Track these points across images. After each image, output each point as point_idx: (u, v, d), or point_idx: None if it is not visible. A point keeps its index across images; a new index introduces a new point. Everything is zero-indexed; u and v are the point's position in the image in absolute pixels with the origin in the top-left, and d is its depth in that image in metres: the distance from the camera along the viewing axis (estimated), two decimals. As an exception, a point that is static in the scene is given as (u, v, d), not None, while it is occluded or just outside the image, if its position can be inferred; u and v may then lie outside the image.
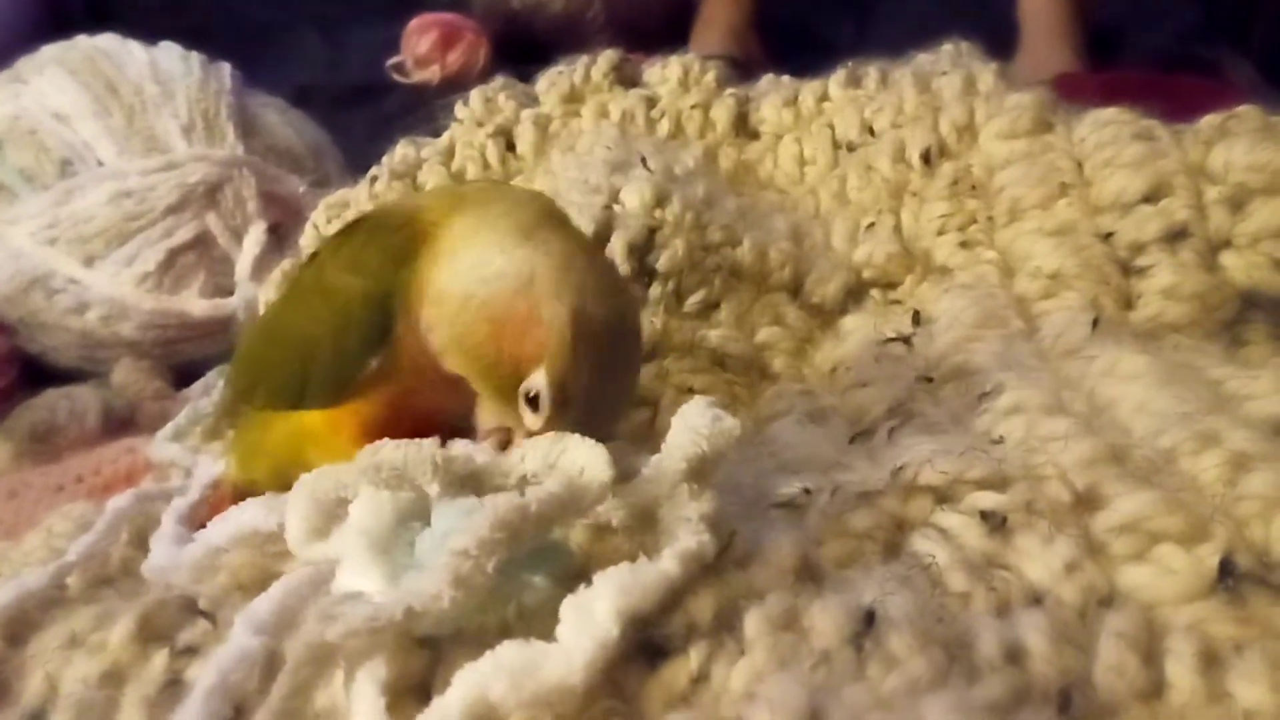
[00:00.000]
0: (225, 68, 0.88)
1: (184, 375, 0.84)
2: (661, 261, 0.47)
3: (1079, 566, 0.29)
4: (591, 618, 0.25)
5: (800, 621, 0.26)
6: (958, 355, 0.43)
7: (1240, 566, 0.28)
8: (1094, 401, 0.38)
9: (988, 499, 0.31)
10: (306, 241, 0.66)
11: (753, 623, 0.26)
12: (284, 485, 0.35)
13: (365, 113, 1.31)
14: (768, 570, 0.29)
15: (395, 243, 0.36)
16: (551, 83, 0.66)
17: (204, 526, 0.40)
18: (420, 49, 1.33)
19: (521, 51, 1.35)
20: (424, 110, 1.33)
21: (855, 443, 0.39)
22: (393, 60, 1.36)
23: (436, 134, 0.68)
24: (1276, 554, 0.28)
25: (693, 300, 0.47)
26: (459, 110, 0.67)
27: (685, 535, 0.27)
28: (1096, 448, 0.32)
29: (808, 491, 0.33)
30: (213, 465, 0.63)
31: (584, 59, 0.68)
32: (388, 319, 0.36)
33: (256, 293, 0.80)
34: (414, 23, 1.35)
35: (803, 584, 0.29)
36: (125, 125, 0.81)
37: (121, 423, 0.81)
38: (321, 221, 0.65)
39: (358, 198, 0.64)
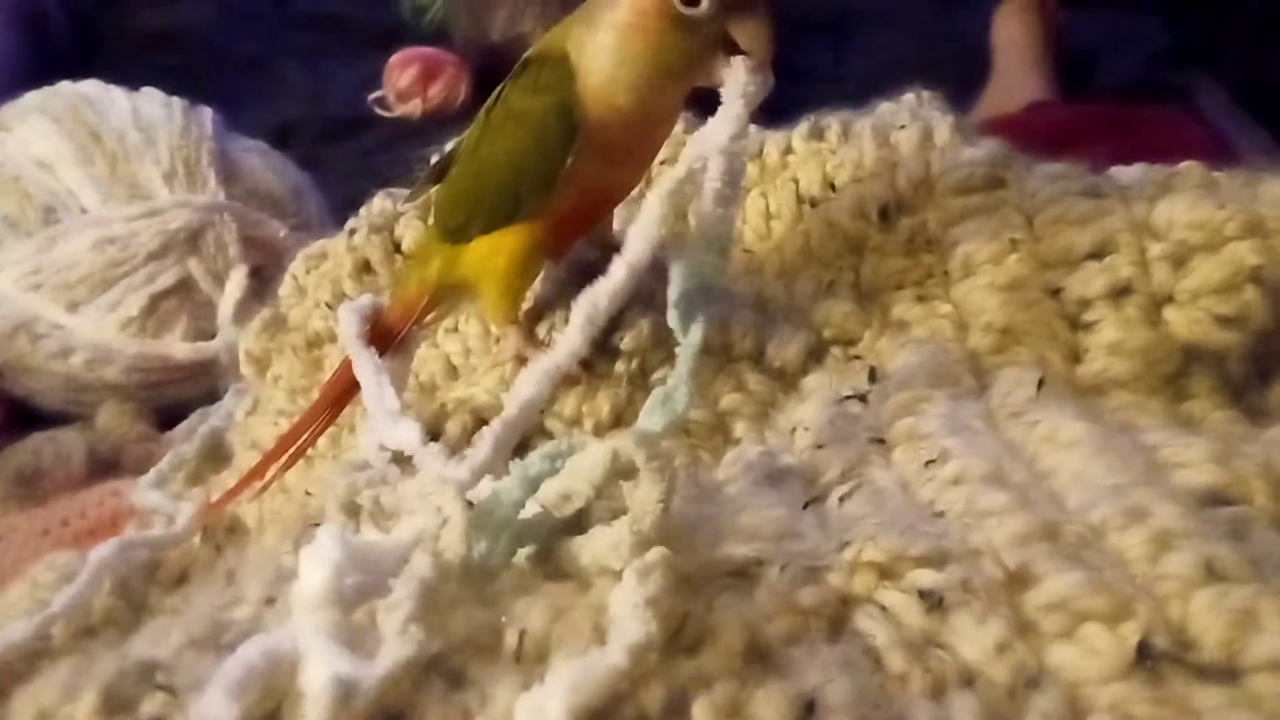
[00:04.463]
0: (206, 113, 0.89)
1: (168, 417, 0.86)
2: (626, 342, 0.49)
3: (1009, 646, 0.31)
4: (546, 718, 0.26)
5: (745, 710, 0.28)
6: (909, 417, 0.44)
7: (1158, 647, 0.29)
8: (1034, 468, 0.39)
9: (926, 577, 0.33)
10: (286, 291, 0.68)
11: (700, 713, 0.28)
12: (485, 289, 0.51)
13: (348, 148, 1.33)
14: (717, 655, 0.30)
15: (560, 66, 0.47)
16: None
17: (389, 332, 0.53)
18: (402, 83, 1.35)
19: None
20: (406, 145, 1.35)
21: (809, 508, 0.40)
22: (374, 95, 1.37)
23: (413, 184, 0.69)
24: (1193, 633, 0.30)
25: (656, 377, 0.48)
26: (432, 159, 0.68)
27: (633, 625, 0.29)
28: (1030, 524, 0.34)
29: (760, 563, 0.35)
30: (193, 507, 0.64)
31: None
32: (574, 122, 0.47)
33: (238, 336, 0.82)
34: (395, 57, 1.37)
35: (750, 667, 0.30)
36: (108, 173, 0.83)
37: (106, 465, 0.83)
38: (300, 272, 0.67)
39: (336, 249, 0.66)
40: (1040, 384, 0.45)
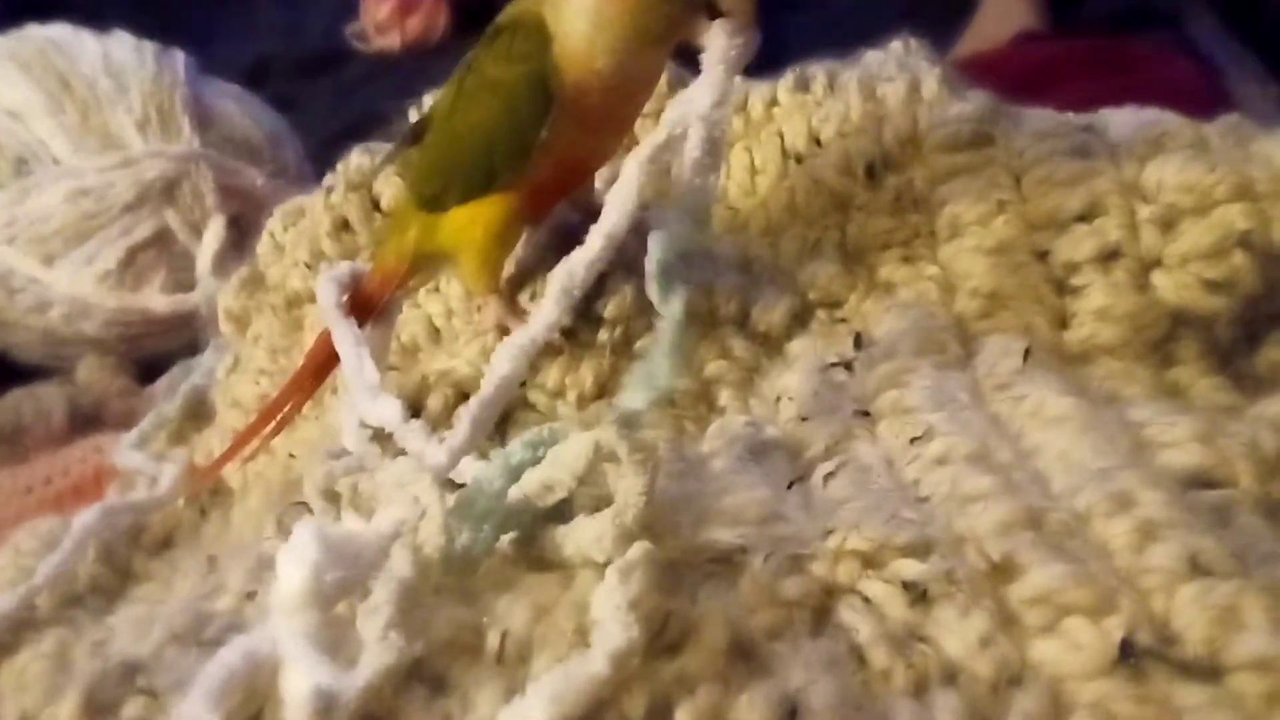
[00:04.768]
0: (179, 57, 0.87)
1: (149, 369, 0.85)
2: (608, 309, 0.48)
3: (993, 640, 0.31)
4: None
5: (727, 716, 0.28)
6: (894, 389, 0.44)
7: (1141, 643, 0.29)
8: (1020, 446, 0.39)
9: (910, 568, 0.33)
10: (263, 249, 0.67)
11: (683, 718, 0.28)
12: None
13: (326, 84, 1.31)
14: (700, 655, 0.30)
15: (535, 33, 0.46)
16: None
17: (369, 302, 0.52)
18: (379, 15, 1.32)
19: (483, 12, 1.34)
20: (386, 80, 1.32)
21: (794, 487, 0.40)
22: (352, 28, 1.34)
23: (391, 139, 0.67)
24: (1176, 628, 0.30)
25: (641, 344, 0.48)
26: (411, 114, 0.67)
27: (615, 629, 0.29)
28: (1014, 511, 0.34)
29: (744, 550, 0.35)
30: (176, 469, 0.64)
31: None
32: (548, 92, 0.46)
33: (218, 287, 0.81)
34: (372, -12, 1.34)
35: (733, 666, 0.30)
36: (80, 122, 0.81)
37: (88, 420, 0.83)
38: (278, 230, 0.66)
39: (313, 206, 0.65)
40: (1027, 354, 0.44)
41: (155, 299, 0.80)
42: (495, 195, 0.48)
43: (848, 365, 0.48)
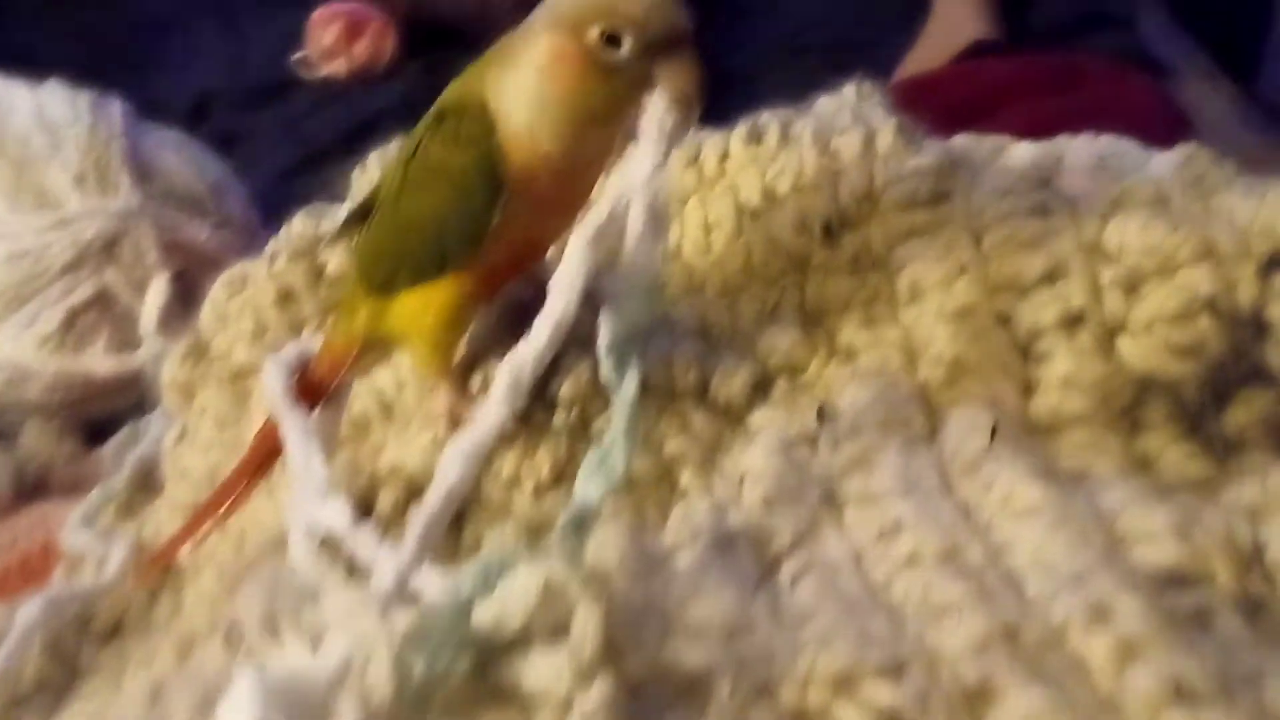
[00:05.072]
0: (116, 107, 0.84)
1: (96, 432, 0.83)
2: (564, 390, 0.47)
3: (971, 778, 0.29)
4: None
5: None
6: (860, 473, 0.43)
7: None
8: (990, 541, 0.38)
9: (884, 693, 0.32)
10: (207, 318, 0.65)
11: None
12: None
13: (273, 115, 1.28)
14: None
15: (480, 116, 0.45)
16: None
17: (318, 387, 0.51)
18: (325, 41, 1.30)
19: (430, 37, 1.32)
20: (333, 109, 1.30)
21: (761, 589, 0.39)
22: (297, 55, 1.32)
23: (335, 198, 0.66)
24: (1162, 761, 0.29)
25: (599, 424, 0.46)
26: (355, 177, 0.65)
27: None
28: (989, 626, 0.33)
29: (710, 673, 0.34)
30: (124, 550, 0.62)
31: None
32: (498, 178, 0.44)
33: (163, 346, 0.79)
34: (317, 14, 1.32)
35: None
36: (13, 180, 0.79)
37: (35, 486, 0.81)
38: (221, 299, 0.64)
39: (256, 275, 0.63)
40: (994, 432, 0.43)
41: (98, 361, 0.78)
42: (447, 279, 0.47)
43: (812, 441, 0.46)
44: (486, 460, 0.45)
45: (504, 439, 0.46)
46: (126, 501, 0.68)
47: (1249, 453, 0.46)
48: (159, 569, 0.57)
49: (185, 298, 0.81)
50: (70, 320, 0.77)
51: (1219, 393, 0.48)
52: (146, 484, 0.69)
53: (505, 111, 0.44)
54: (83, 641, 0.59)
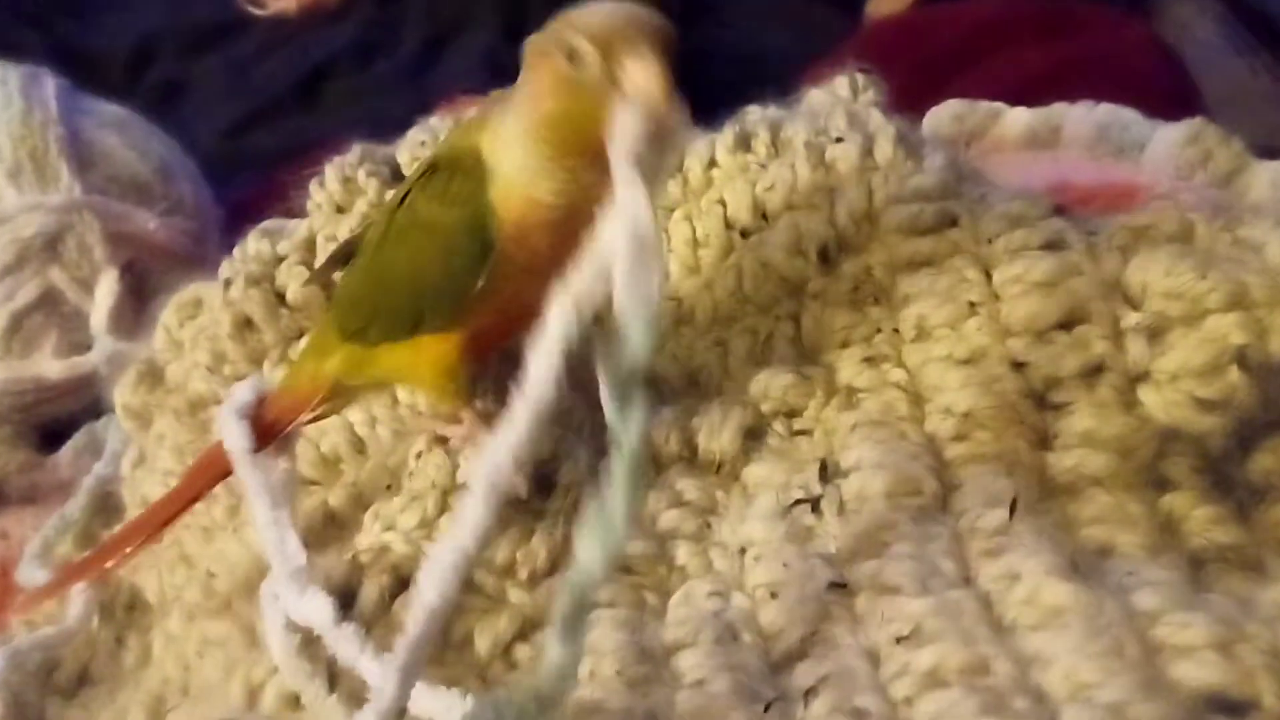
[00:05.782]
0: (50, 86, 0.78)
1: (50, 435, 0.79)
2: (563, 475, 0.44)
3: None
4: None
5: None
6: (871, 558, 0.40)
7: None
8: (1017, 648, 0.36)
9: None
10: (160, 344, 0.61)
11: None
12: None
13: (220, 59, 1.22)
14: None
15: (472, 171, 0.42)
16: (413, 155, 0.60)
17: (272, 428, 0.48)
18: (274, -25, 1.23)
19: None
20: (284, 52, 1.23)
21: (772, 709, 0.36)
22: (244, -8, 1.25)
23: (290, 214, 0.61)
24: None
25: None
26: (314, 192, 0.60)
27: None
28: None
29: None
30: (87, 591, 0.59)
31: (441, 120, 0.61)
32: (487, 239, 0.42)
33: (116, 346, 0.75)
34: (264, -52, 1.24)
35: None
36: (-56, 176, 0.73)
37: (-11, 498, 0.77)
38: (174, 325, 0.60)
39: (212, 301, 0.58)
40: (1013, 508, 0.41)
41: (48, 364, 0.73)
42: (437, 337, 0.45)
43: (814, 504, 0.44)
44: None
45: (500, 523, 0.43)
46: (85, 529, 0.65)
47: (1275, 501, 0.44)
48: (60, 590, 0.57)
49: (137, 291, 0.76)
50: (16, 324, 0.72)
51: (1244, 436, 0.45)
52: (106, 506, 0.66)
53: (498, 155, 0.42)
54: (47, 698, 0.56)
